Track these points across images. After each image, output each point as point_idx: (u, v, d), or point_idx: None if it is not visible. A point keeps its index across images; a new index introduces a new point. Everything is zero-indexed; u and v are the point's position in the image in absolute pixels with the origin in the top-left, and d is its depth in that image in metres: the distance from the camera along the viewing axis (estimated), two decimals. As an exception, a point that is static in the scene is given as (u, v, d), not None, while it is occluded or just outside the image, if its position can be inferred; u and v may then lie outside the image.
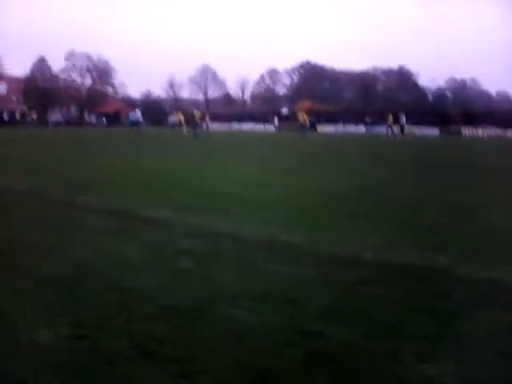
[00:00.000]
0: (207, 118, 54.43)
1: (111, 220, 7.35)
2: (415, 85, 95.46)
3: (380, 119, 62.69)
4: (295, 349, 3.39)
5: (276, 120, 66.28)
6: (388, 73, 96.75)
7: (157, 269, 5.09)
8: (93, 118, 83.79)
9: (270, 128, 66.87)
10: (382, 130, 57.05)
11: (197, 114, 35.66)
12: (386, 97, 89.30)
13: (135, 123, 45.90)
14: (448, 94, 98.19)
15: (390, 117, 36.85)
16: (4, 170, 13.45)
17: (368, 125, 61.88)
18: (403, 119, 36.44)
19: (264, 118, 69.73)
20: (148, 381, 3.01)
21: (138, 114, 46.85)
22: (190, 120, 39.87)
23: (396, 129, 36.68)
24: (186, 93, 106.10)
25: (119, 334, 3.59)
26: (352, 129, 63.11)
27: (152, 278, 4.82)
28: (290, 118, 72.23)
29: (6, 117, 67.95)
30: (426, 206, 8.86)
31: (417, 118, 60.70)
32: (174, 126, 51.71)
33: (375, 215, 7.98)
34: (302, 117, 40.02)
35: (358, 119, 65.76)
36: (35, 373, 3.07)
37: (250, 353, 3.34)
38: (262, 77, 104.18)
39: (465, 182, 12.69)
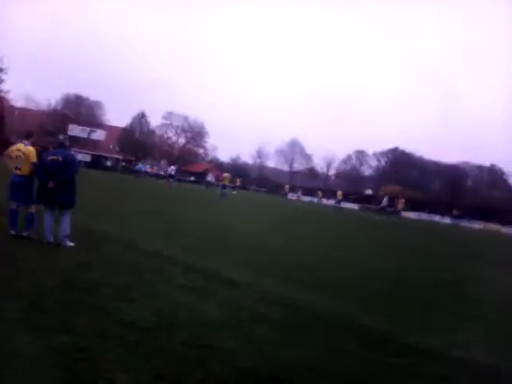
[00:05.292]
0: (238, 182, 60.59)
1: (193, 276, 7.45)
2: (506, 184, 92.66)
3: (468, 213, 61.03)
4: None
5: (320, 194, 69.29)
6: (479, 169, 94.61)
7: (234, 331, 5.06)
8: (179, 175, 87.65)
9: (351, 206, 66.49)
10: (469, 224, 55.42)
11: (227, 176, 39.19)
12: (475, 192, 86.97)
13: (142, 173, 61.03)
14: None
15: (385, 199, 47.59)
16: (92, 215, 14.07)
17: (455, 217, 60.26)
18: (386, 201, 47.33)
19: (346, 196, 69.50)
20: None
21: (171, 169, 55.73)
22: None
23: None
24: (271, 163, 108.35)
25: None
26: (437, 219, 61.51)
27: (229, 339, 4.79)
28: (372, 200, 71.67)
29: (108, 163, 73.45)
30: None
31: (506, 216, 58.56)
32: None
33: (460, 310, 7.60)
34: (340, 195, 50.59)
35: (444, 210, 64.26)
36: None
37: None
38: (349, 156, 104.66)
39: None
